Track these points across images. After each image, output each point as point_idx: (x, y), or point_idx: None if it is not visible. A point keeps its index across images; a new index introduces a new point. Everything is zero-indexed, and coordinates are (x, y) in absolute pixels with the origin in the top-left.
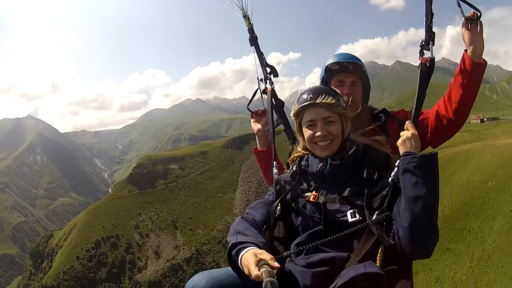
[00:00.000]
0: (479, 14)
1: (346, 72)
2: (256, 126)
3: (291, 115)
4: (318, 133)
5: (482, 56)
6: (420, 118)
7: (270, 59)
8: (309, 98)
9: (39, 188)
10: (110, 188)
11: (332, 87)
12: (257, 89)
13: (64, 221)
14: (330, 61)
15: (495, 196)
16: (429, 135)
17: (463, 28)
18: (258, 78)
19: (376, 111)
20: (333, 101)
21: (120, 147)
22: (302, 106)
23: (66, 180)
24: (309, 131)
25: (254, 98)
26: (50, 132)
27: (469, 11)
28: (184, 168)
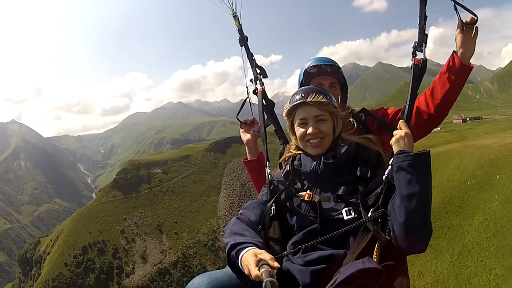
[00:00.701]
0: (476, 18)
1: (324, 75)
2: (245, 137)
3: (284, 114)
4: (310, 131)
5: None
6: (399, 114)
7: None
8: (301, 97)
9: (24, 194)
10: (93, 193)
11: None
12: (246, 98)
13: (49, 227)
14: (308, 65)
15: (474, 194)
16: None
17: (458, 31)
18: (247, 87)
19: (355, 111)
20: (323, 100)
21: (103, 151)
22: (295, 105)
23: (50, 186)
24: (301, 129)
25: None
26: (33, 137)
27: (460, 12)
28: (168, 172)
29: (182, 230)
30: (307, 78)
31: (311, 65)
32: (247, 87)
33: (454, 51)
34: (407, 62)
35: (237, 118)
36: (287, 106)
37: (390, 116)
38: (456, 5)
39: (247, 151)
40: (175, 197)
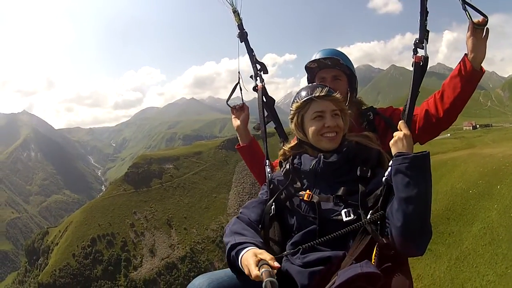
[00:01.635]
0: (486, 19)
1: (325, 68)
2: (236, 122)
3: (294, 107)
4: (329, 124)
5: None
6: None
7: (266, 60)
8: (317, 91)
9: (33, 185)
10: (103, 186)
11: None
12: (236, 84)
13: (58, 218)
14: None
15: (475, 203)
16: (416, 132)
17: (469, 33)
18: (239, 73)
19: (364, 107)
20: (338, 96)
21: (114, 145)
22: (309, 98)
23: (60, 177)
24: (317, 122)
25: (235, 96)
26: (44, 128)
27: (472, 15)
28: (179, 168)
29: (191, 226)
30: (311, 74)
31: (311, 60)
32: (239, 72)
33: (465, 54)
34: None
35: (227, 104)
36: (297, 100)
37: (399, 116)
38: (466, 5)
39: (238, 137)
40: (185, 193)
